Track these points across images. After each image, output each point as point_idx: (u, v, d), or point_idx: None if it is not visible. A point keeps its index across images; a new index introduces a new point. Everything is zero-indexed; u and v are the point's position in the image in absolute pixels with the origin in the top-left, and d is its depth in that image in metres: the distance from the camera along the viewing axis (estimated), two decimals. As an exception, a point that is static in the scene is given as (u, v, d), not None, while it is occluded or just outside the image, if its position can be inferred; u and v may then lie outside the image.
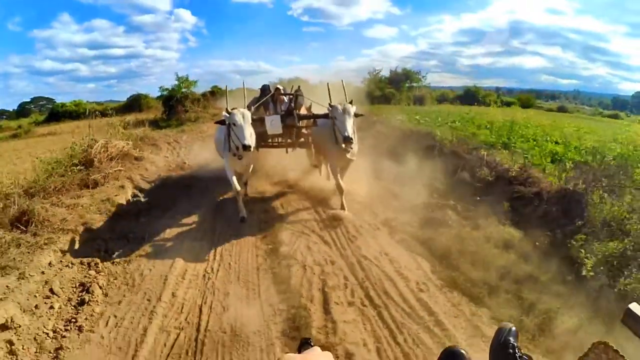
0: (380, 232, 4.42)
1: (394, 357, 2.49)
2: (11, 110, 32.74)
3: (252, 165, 5.63)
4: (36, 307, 3.16)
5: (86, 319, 2.97)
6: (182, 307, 3.06)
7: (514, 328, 0.93)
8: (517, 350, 0.86)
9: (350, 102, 5.10)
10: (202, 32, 33.61)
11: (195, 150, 9.48)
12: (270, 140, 6.09)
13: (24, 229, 4.37)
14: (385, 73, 21.50)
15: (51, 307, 3.20)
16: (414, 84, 21.31)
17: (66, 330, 2.89)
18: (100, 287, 3.36)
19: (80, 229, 4.38)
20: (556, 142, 7.28)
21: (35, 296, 3.26)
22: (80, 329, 2.87)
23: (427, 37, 33.46)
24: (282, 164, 6.76)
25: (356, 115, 5.04)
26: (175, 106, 18.80)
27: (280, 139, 6.15)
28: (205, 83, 22.40)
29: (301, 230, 4.55)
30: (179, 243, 4.30)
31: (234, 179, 5.06)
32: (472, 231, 4.18)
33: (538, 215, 4.37)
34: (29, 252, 3.86)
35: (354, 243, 4.12)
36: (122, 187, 5.81)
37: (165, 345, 2.63)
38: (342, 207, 5.08)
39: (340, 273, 3.42)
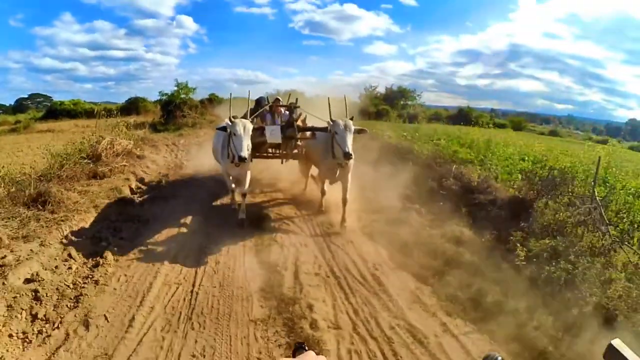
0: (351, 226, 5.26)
1: (345, 311, 3.26)
2: (7, 105, 33.27)
3: (249, 174, 5.76)
4: (56, 267, 3.90)
5: (101, 276, 3.72)
6: (181, 270, 3.84)
7: (499, 358, 0.95)
8: None
9: (351, 119, 5.33)
10: (203, 40, 34.72)
11: (193, 153, 10.32)
12: (269, 151, 6.35)
13: (41, 208, 5.13)
14: (382, 90, 22.83)
15: (69, 268, 3.93)
16: (409, 102, 22.48)
17: (84, 283, 3.63)
18: (112, 254, 4.12)
19: (92, 210, 5.15)
20: (523, 160, 8.20)
21: (56, 259, 4.00)
22: (96, 282, 3.62)
23: (425, 56, 34.82)
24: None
25: (360, 131, 5.32)
26: (173, 111, 19.67)
27: (275, 150, 6.38)
28: (203, 90, 23.45)
29: (283, 220, 5.39)
30: (179, 224, 5.14)
31: (232, 184, 5.53)
32: (430, 229, 5.00)
33: (490, 218, 5.20)
34: (47, 226, 4.61)
35: (327, 233, 4.95)
36: (127, 179, 6.62)
37: (167, 294, 3.39)
38: (320, 208, 5.74)
39: (311, 253, 4.21)
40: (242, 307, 3.31)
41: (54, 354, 2.81)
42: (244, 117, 5.40)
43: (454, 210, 5.50)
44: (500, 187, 5.96)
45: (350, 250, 4.35)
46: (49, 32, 32.25)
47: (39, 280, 3.62)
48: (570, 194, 5.20)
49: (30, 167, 6.30)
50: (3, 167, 6.28)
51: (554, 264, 4.01)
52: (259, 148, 6.14)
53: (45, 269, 3.78)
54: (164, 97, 21.56)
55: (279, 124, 6.22)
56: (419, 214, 5.51)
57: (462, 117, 21.90)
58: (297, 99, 6.86)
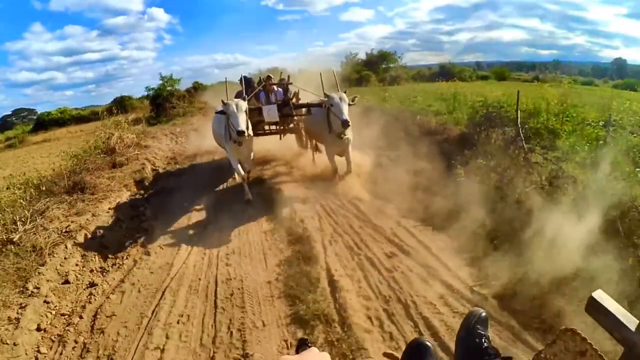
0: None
1: (328, 223, 4.73)
2: None
3: (252, 153, 6.31)
4: (112, 226, 5.36)
5: (148, 225, 5.23)
6: (205, 211, 5.39)
7: (483, 314, 0.93)
8: (484, 341, 0.85)
9: (345, 92, 5.76)
10: (177, 30, 34.88)
11: (191, 138, 11.63)
12: (266, 129, 6.93)
13: (81, 193, 6.53)
14: (362, 56, 23.71)
15: (120, 227, 5.40)
16: (391, 65, 23.47)
17: (137, 232, 5.13)
18: (149, 210, 5.65)
19: (123, 189, 6.57)
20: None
21: (109, 222, 5.45)
22: (145, 230, 5.13)
23: (404, 17, 35.12)
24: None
25: (352, 99, 5.77)
26: (162, 104, 20.74)
27: (273, 127, 6.93)
28: (185, 80, 24.31)
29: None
30: (193, 189, 6.64)
31: (238, 165, 5.88)
32: (395, 167, 6.42)
33: (443, 152, 6.60)
34: (92, 204, 6.02)
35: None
36: (143, 164, 8.00)
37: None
38: (336, 182, 6.02)
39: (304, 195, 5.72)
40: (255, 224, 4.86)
41: (129, 272, 4.27)
42: (237, 97, 5.96)
43: (416, 150, 6.89)
44: (454, 127, 7.35)
45: (338, 190, 5.82)
46: (21, 45, 32.37)
47: (101, 236, 5.10)
48: (504, 125, 6.60)
49: (53, 169, 7.68)
50: (24, 173, 7.67)
51: (484, 177, 5.47)
52: (257, 127, 6.61)
53: (103, 228, 5.25)
54: (151, 92, 22.64)
55: (274, 102, 6.68)
56: (388, 157, 6.91)
57: (445, 73, 22.89)
58: (288, 76, 7.43)
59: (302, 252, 4.03)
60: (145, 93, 23.92)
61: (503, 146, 6.00)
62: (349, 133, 5.77)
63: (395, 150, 7.08)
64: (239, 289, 3.60)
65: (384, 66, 22.90)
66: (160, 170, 8.00)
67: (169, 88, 22.60)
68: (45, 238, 4.71)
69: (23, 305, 3.50)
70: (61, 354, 3.06)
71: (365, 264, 3.72)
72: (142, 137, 10.99)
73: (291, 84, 7.14)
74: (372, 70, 21.90)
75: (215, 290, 3.64)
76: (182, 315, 3.30)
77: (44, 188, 6.59)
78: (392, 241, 4.22)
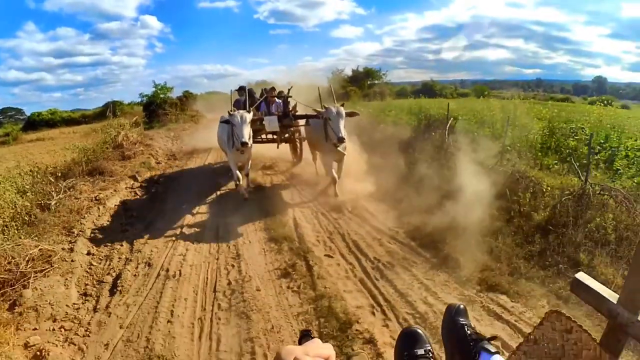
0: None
1: (300, 198, 6.58)
2: None
3: (250, 159, 7.07)
4: (131, 198, 7.09)
5: (160, 192, 7.00)
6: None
7: (462, 306, 1.04)
8: (467, 328, 0.96)
9: (342, 105, 6.30)
10: (169, 38, 36.62)
11: (186, 140, 13.45)
12: (264, 137, 7.83)
13: (100, 176, 8.22)
14: (348, 72, 25.93)
15: (137, 199, 7.13)
16: (375, 81, 25.74)
17: (152, 201, 6.88)
18: (161, 187, 7.41)
19: (136, 175, 8.29)
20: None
21: (127, 196, 7.17)
22: (155, 194, 6.89)
23: (392, 35, 37.85)
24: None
25: (351, 114, 6.30)
26: (155, 110, 22.50)
27: (271, 136, 7.80)
28: (175, 88, 26.07)
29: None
30: (194, 176, 8.41)
31: (237, 171, 6.66)
32: (363, 165, 8.26)
33: (403, 149, 8.53)
34: (112, 183, 7.72)
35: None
36: (149, 157, 9.75)
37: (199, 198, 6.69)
38: (336, 194, 6.53)
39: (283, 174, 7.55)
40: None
41: (150, 224, 5.97)
42: (235, 106, 6.89)
43: (378, 152, 8.81)
44: (406, 132, 9.38)
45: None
46: (12, 43, 33.47)
47: (126, 202, 6.82)
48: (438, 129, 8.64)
49: (64, 160, 9.33)
50: (35, 163, 9.27)
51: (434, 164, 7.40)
52: (256, 135, 7.33)
53: (125, 199, 6.97)
54: (145, 98, 24.43)
55: (275, 113, 7.47)
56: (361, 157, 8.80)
57: (427, 90, 25.29)
58: (288, 90, 8.20)
59: (278, 211, 5.87)
60: (139, 99, 25.69)
61: (434, 143, 8.03)
62: (345, 144, 6.31)
63: (367, 152, 8.96)
64: (236, 227, 5.41)
65: (369, 82, 25.15)
66: (163, 163, 9.76)
67: (162, 96, 24.50)
68: (79, 203, 6.42)
69: (73, 241, 5.17)
70: (109, 266, 4.75)
71: (320, 217, 5.57)
72: (143, 137, 12.73)
73: (291, 96, 7.95)
74: (357, 86, 24.10)
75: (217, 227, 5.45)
76: (198, 241, 5.08)
77: (59, 174, 8.22)
78: (343, 207, 6.06)
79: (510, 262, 4.02)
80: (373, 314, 3.32)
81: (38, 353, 3.04)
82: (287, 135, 7.89)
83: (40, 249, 4.49)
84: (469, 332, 0.96)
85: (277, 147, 8.04)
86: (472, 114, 9.65)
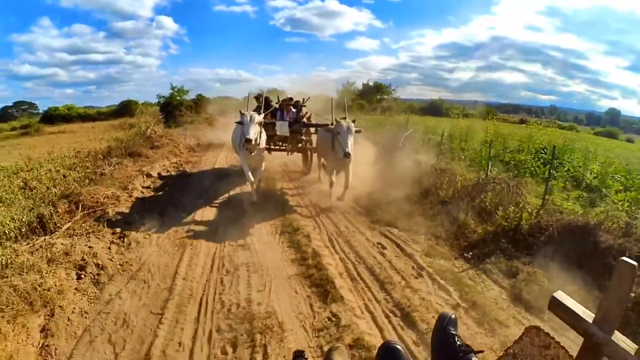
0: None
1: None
2: None
3: (263, 163, 7.93)
4: (164, 173, 10.18)
5: (189, 167, 10.09)
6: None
7: (453, 316, 1.16)
8: (457, 339, 1.07)
9: (353, 121, 7.10)
10: (184, 40, 39.84)
11: (202, 138, 16.70)
12: (279, 144, 8.93)
13: (138, 158, 11.36)
14: (359, 85, 29.01)
15: (171, 172, 10.22)
16: (385, 96, 28.74)
17: (182, 174, 9.98)
18: (190, 168, 10.53)
19: (166, 159, 11.43)
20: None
21: (161, 170, 10.27)
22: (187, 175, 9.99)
23: (408, 50, 40.66)
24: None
25: (357, 131, 7.00)
26: (172, 111, 25.87)
27: (284, 144, 8.91)
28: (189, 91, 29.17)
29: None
30: (215, 158, 11.49)
31: (249, 172, 7.41)
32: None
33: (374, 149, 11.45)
34: (150, 163, 10.85)
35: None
36: (174, 148, 12.94)
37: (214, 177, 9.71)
38: (330, 196, 7.76)
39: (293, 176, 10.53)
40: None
41: (180, 188, 8.99)
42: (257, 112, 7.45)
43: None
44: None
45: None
46: (27, 38, 36.46)
47: (163, 174, 9.91)
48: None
49: (100, 147, 12.53)
50: (74, 149, 12.44)
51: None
52: (270, 141, 8.36)
53: (161, 173, 10.06)
54: (162, 99, 27.95)
55: (287, 119, 8.58)
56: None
57: (434, 108, 28.19)
58: (303, 99, 9.42)
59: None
60: (156, 100, 29.12)
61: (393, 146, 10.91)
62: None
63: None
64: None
65: (378, 97, 28.22)
66: (185, 153, 12.94)
67: (178, 98, 28.02)
68: (128, 172, 9.52)
69: (129, 190, 8.16)
70: (155, 203, 7.73)
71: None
72: (166, 133, 16.02)
73: (305, 106, 9.19)
74: (366, 99, 27.19)
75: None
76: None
77: (101, 156, 11.34)
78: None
79: (410, 216, 6.90)
80: (313, 228, 6.30)
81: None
82: (299, 145, 9.17)
83: (112, 192, 7.54)
84: (458, 342, 1.09)
85: (288, 154, 9.39)
86: (445, 130, 12.58)
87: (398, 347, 1.05)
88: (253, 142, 6.80)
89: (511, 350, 0.96)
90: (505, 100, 39.33)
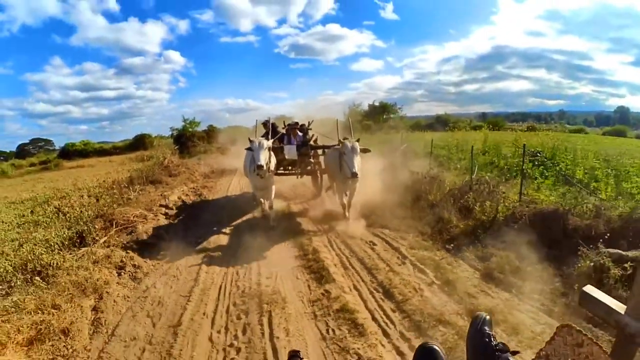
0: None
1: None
2: (8, 151, 40.15)
3: (273, 187, 8.19)
4: (185, 195, 11.51)
5: (205, 196, 11.39)
6: (231, 188, 11.46)
7: (487, 317, 1.16)
8: (492, 339, 1.07)
9: (358, 140, 7.40)
10: (192, 73, 41.97)
11: (215, 166, 18.15)
12: (288, 168, 9.38)
13: (159, 184, 12.76)
14: (365, 106, 30.31)
15: (189, 196, 11.54)
16: (391, 115, 30.01)
17: (199, 197, 11.31)
18: (207, 192, 11.83)
19: (183, 184, 12.81)
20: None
21: (181, 194, 11.60)
22: (201, 195, 11.30)
23: (412, 68, 41.93)
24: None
25: (364, 150, 7.33)
26: (185, 142, 27.61)
27: (293, 168, 9.37)
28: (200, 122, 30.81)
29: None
30: (228, 183, 12.82)
31: (258, 196, 8.09)
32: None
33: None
34: (170, 188, 12.26)
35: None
36: (190, 175, 14.34)
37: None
38: (345, 217, 7.99)
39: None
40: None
41: (198, 211, 10.26)
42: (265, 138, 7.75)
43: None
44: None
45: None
46: (40, 77, 38.83)
47: (183, 197, 11.24)
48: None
49: (122, 177, 14.02)
50: (96, 179, 13.93)
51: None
52: (279, 165, 8.75)
53: (181, 197, 11.38)
54: (175, 132, 29.79)
55: (295, 143, 9.05)
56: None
57: (440, 123, 29.18)
58: (309, 122, 10.01)
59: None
60: (169, 132, 30.99)
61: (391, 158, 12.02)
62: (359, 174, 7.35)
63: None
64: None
65: (384, 116, 29.51)
66: (201, 180, 14.33)
67: (190, 129, 29.84)
68: (151, 197, 10.85)
69: (154, 211, 9.46)
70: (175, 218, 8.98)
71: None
72: (181, 162, 17.55)
73: (310, 129, 9.74)
74: (372, 119, 28.47)
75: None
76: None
77: (125, 185, 12.75)
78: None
79: (402, 218, 7.94)
80: (315, 233, 7.43)
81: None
82: (309, 167, 9.61)
83: (140, 212, 8.83)
84: (494, 342, 1.08)
85: (297, 177, 9.96)
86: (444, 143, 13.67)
87: (436, 347, 1.08)
88: (264, 168, 7.13)
89: (544, 352, 0.96)
90: (513, 109, 39.83)
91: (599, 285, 4.48)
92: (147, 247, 7.03)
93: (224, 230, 8.30)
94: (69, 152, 36.04)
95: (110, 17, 42.08)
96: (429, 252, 6.45)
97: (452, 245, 6.64)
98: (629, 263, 4.67)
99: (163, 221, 8.76)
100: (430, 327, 4.22)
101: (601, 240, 5.22)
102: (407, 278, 5.47)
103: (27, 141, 44.92)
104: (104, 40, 40.56)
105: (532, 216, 6.50)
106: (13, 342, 3.74)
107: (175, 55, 39.66)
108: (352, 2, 44.82)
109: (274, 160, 8.12)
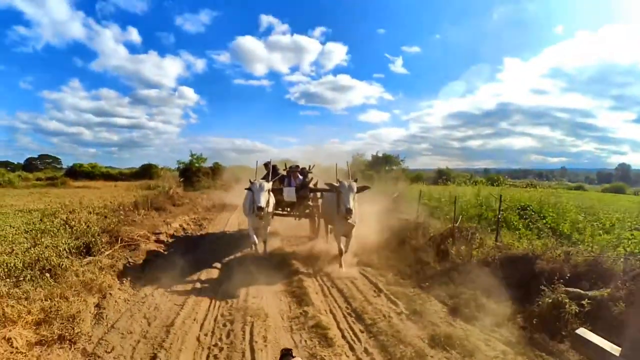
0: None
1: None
2: (16, 163, 41.38)
3: (269, 226, 8.66)
4: (187, 225, 12.34)
5: (205, 227, 12.19)
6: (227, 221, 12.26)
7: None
8: None
9: (355, 180, 7.79)
10: (203, 110, 43.84)
11: (217, 201, 19.11)
12: (287, 209, 9.70)
13: (163, 211, 13.63)
14: (369, 157, 31.36)
15: (190, 225, 12.36)
16: (394, 167, 31.04)
17: (200, 225, 12.11)
18: (207, 223, 12.64)
19: (186, 214, 13.67)
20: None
21: (183, 223, 12.44)
22: (201, 226, 12.08)
23: (418, 121, 43.12)
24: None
25: (362, 188, 7.75)
26: (190, 177, 28.63)
27: (291, 210, 9.66)
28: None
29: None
30: (228, 216, 13.65)
31: (254, 236, 8.27)
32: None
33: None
34: (172, 216, 13.19)
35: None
36: (193, 207, 15.24)
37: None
38: (340, 265, 8.00)
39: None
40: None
41: (195, 244, 11.03)
42: (265, 179, 8.18)
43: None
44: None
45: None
46: (57, 96, 40.96)
47: (184, 226, 12.07)
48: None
49: (128, 201, 14.93)
50: (103, 201, 14.84)
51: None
52: (278, 205, 9.11)
53: (182, 225, 12.21)
54: (181, 165, 30.94)
55: (294, 185, 9.40)
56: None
57: (442, 176, 30.01)
58: (309, 166, 10.58)
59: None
60: (175, 165, 32.14)
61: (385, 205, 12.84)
62: (355, 218, 7.83)
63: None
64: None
65: (386, 168, 30.54)
66: (203, 212, 15.21)
67: (197, 165, 30.99)
68: (154, 221, 11.69)
69: (157, 233, 10.25)
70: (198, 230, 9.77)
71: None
72: (185, 194, 18.52)
73: (311, 172, 10.19)
74: (375, 170, 29.41)
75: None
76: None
77: (130, 208, 13.60)
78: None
79: (386, 259, 8.66)
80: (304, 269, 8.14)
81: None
82: (307, 210, 9.95)
83: (144, 233, 9.64)
84: None
85: (295, 219, 10.20)
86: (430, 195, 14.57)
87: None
88: (264, 209, 7.52)
89: None
90: (515, 166, 40.51)
91: (557, 320, 5.30)
92: (148, 263, 7.82)
93: (219, 256, 9.02)
94: (76, 172, 37.25)
95: (131, 48, 44.84)
96: (404, 288, 7.15)
97: (426, 283, 7.31)
98: (586, 300, 5.33)
99: (165, 243, 9.55)
100: (392, 345, 4.88)
101: (561, 280, 5.89)
102: (379, 307, 6.15)
103: (36, 156, 46.61)
104: (122, 69, 43.09)
105: (504, 260, 7.24)
106: (23, 320, 4.45)
107: (189, 92, 41.65)
108: (363, 54, 47.46)
109: (272, 201, 8.45)
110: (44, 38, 40.27)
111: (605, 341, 1.22)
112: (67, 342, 4.48)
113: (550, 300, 5.58)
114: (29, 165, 44.90)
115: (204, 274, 7.60)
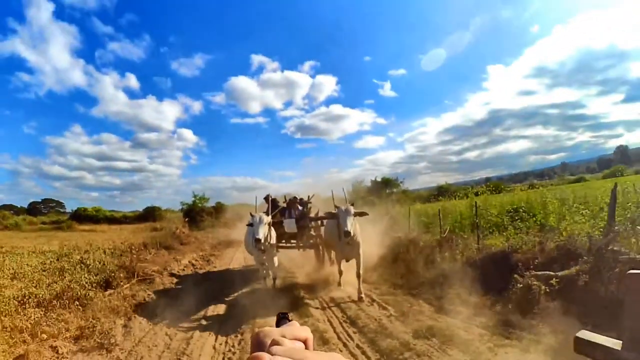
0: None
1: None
2: (19, 206, 41.97)
3: (276, 259, 8.77)
4: (196, 261, 13.36)
5: (212, 262, 13.20)
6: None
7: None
8: None
9: (352, 204, 8.10)
10: (203, 150, 45.17)
11: (222, 238, 20.13)
12: (289, 241, 9.94)
13: (173, 250, 14.67)
14: (368, 183, 32.17)
15: (199, 261, 13.38)
16: (394, 190, 31.87)
17: (207, 261, 13.11)
18: (214, 259, 13.65)
19: (194, 252, 14.71)
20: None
21: (191, 259, 13.45)
22: (209, 261, 13.08)
23: (413, 141, 43.70)
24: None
25: (361, 214, 8.04)
26: (194, 217, 29.59)
27: (294, 242, 9.92)
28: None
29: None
30: (234, 252, 14.66)
31: (261, 269, 8.60)
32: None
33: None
34: (181, 254, 14.16)
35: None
36: (199, 245, 16.31)
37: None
38: (339, 284, 8.82)
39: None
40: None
41: (205, 276, 12.01)
42: (265, 213, 8.25)
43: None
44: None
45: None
46: (59, 141, 41.99)
47: (193, 262, 13.08)
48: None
49: (137, 242, 16.02)
50: (112, 242, 15.89)
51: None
52: (281, 238, 9.35)
53: (191, 261, 13.22)
54: (185, 206, 31.99)
55: (294, 217, 9.69)
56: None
57: (442, 193, 30.66)
58: (308, 196, 10.63)
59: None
60: (179, 207, 33.13)
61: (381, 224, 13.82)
62: (358, 238, 8.10)
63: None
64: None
65: (387, 191, 31.41)
66: (209, 249, 16.26)
67: (200, 205, 32.05)
68: (164, 259, 12.72)
69: (169, 270, 11.27)
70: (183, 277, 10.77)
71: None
72: (191, 234, 19.59)
73: (311, 202, 10.37)
74: (375, 195, 30.22)
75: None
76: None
77: (141, 248, 14.62)
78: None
79: (380, 274, 9.62)
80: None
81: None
82: (311, 241, 10.16)
83: (157, 269, 10.67)
84: None
85: (299, 250, 10.40)
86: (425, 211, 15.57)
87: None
88: (262, 241, 7.64)
89: None
90: (515, 170, 40.59)
91: (529, 300, 6.22)
92: (164, 293, 8.84)
93: (229, 286, 9.80)
94: (81, 216, 37.66)
95: (130, 94, 46.67)
96: (396, 296, 8.10)
97: (416, 290, 8.24)
98: (554, 280, 6.26)
99: (177, 277, 10.56)
100: (380, 339, 5.81)
101: (531, 267, 6.80)
102: (372, 313, 7.09)
103: (39, 200, 47.12)
104: (122, 114, 44.35)
105: (485, 259, 8.20)
106: (62, 336, 5.48)
107: (188, 133, 42.81)
108: (353, 83, 49.03)
109: (273, 234, 8.57)
110: (46, 85, 42.20)
111: (607, 338, 1.17)
112: (105, 350, 5.48)
113: (521, 286, 6.50)
114: (33, 209, 45.16)
115: (216, 299, 8.59)
